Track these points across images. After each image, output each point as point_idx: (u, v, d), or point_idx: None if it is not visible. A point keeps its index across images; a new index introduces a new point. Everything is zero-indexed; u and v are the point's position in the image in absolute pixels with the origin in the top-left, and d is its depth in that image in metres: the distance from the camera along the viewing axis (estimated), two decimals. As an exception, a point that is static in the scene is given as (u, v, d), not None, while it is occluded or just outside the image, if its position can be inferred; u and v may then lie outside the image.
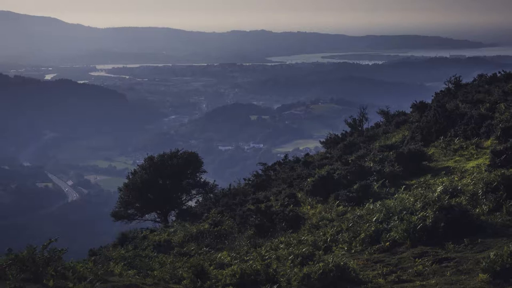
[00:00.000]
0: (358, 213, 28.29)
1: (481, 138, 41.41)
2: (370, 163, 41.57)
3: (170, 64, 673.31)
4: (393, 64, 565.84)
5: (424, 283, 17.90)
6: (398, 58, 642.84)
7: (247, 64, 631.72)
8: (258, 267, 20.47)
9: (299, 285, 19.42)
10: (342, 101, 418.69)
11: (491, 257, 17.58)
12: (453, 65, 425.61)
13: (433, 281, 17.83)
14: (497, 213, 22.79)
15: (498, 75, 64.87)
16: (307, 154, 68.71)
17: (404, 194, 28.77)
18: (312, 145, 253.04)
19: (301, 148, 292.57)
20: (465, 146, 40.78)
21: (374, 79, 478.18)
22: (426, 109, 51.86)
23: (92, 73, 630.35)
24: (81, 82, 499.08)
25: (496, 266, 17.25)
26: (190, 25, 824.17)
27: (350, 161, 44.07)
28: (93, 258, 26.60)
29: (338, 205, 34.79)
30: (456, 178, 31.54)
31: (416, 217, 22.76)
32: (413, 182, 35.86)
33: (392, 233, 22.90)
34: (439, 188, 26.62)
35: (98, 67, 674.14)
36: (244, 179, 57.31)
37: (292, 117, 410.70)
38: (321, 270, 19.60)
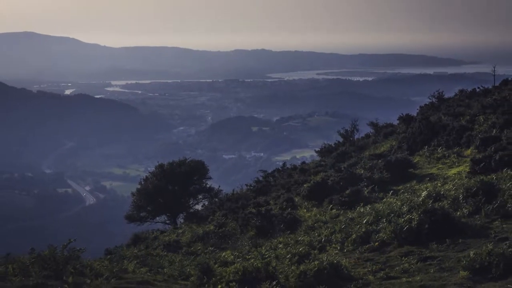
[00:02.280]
0: (350, 216, 28.30)
1: (461, 147, 41.48)
2: (360, 170, 41.63)
3: (179, 80, 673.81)
4: (382, 80, 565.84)
5: (410, 279, 17.94)
6: (387, 75, 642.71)
7: (249, 80, 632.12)
8: (259, 265, 20.49)
9: (296, 282, 19.45)
10: (336, 114, 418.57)
11: (471, 255, 17.64)
12: (436, 81, 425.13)
13: (418, 278, 17.87)
14: (477, 216, 22.83)
15: (477, 90, 65.00)
16: (303, 162, 68.83)
17: (391, 199, 28.79)
18: (308, 154, 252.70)
19: (298, 156, 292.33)
20: (447, 155, 40.82)
21: (365, 94, 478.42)
22: (411, 121, 51.94)
23: (108, 89, 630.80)
24: (98, 96, 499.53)
25: (476, 264, 17.32)
26: (197, 45, 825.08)
27: (342, 169, 44.09)
28: (108, 257, 26.58)
29: (331, 209, 34.81)
30: (439, 184, 31.55)
31: (402, 219, 22.80)
32: (400, 187, 35.87)
33: (381, 234, 22.92)
34: (424, 193, 26.68)
35: (113, 83, 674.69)
36: (246, 185, 57.36)
37: (290, 128, 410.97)
38: (316, 268, 19.62)
